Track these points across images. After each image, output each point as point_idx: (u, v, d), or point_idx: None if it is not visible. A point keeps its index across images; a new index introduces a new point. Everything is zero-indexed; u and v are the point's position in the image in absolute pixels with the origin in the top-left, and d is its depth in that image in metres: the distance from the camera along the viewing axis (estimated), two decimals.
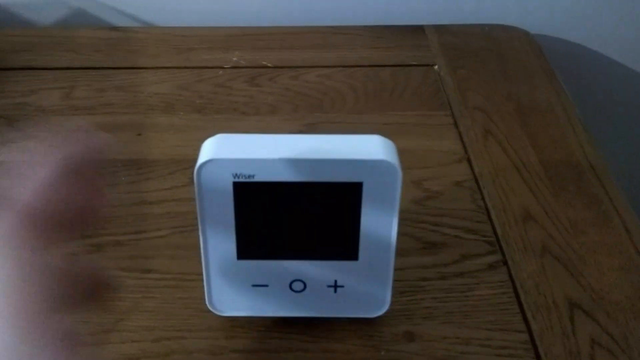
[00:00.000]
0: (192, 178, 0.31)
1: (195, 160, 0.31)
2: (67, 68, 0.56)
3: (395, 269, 0.39)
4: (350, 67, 0.59)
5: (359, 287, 0.35)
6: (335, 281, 0.35)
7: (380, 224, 0.33)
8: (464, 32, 0.65)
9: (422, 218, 0.44)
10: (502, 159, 0.49)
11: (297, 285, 0.35)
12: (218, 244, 0.33)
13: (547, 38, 0.68)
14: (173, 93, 0.54)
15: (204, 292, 0.35)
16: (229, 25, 0.63)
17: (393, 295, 0.37)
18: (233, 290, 0.35)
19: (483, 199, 0.45)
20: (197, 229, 0.33)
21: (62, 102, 0.52)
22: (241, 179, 0.31)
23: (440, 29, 0.65)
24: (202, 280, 0.35)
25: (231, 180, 0.31)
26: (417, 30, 0.64)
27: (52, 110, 0.52)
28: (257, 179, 0.31)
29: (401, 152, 0.49)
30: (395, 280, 0.38)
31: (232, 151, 0.31)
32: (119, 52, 0.58)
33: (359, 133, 0.33)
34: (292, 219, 0.33)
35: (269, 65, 0.59)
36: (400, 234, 0.42)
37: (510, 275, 0.39)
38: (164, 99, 0.54)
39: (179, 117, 0.52)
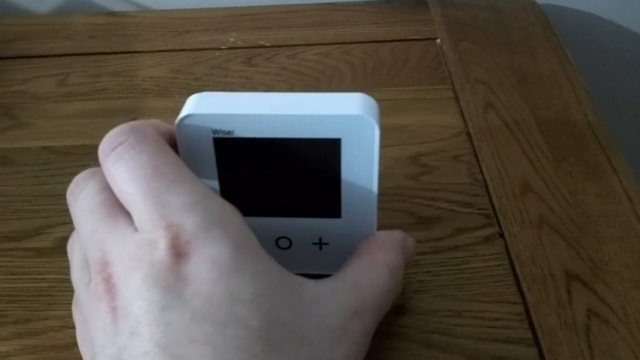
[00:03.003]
0: None
1: None
2: (62, 55, 0.56)
3: None
4: (349, 44, 0.58)
5: (343, 245, 0.34)
6: (320, 238, 0.34)
7: (361, 181, 0.32)
8: (468, 4, 0.63)
9: (417, 193, 0.43)
10: (502, 131, 0.48)
11: (283, 243, 0.35)
12: None
13: (556, 8, 0.66)
14: (168, 76, 0.54)
15: None
16: (226, 6, 0.63)
17: None
18: None
19: (481, 172, 0.44)
20: None
21: (58, 89, 0.52)
22: (221, 135, 0.31)
23: (444, 2, 0.63)
24: None
25: (211, 136, 0.31)
26: (420, 5, 0.63)
27: (47, 98, 0.52)
28: (236, 134, 0.31)
29: (399, 128, 0.49)
30: None
31: (212, 106, 0.31)
32: (114, 37, 0.58)
33: None
34: (273, 175, 0.32)
35: (266, 44, 0.58)
36: (393, 209, 0.42)
37: (506, 248, 0.38)
38: (159, 82, 0.53)
39: (174, 100, 0.51)
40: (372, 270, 0.30)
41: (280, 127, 0.31)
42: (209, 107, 0.31)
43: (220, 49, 0.58)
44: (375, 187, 0.32)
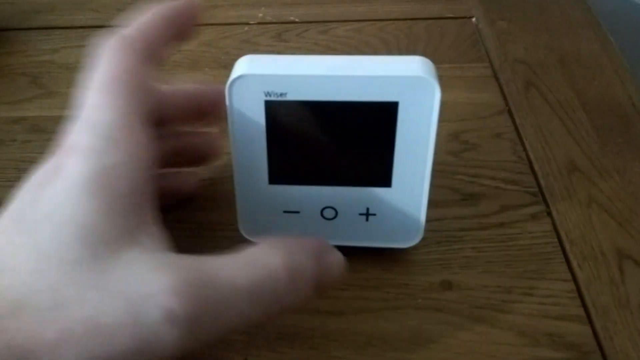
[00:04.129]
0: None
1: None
2: (90, 27, 0.55)
3: (432, 220, 0.37)
4: (382, 20, 0.56)
5: (391, 216, 0.33)
6: (368, 209, 0.33)
7: (415, 147, 0.31)
8: None
9: (460, 170, 0.41)
10: (545, 110, 0.46)
11: (329, 213, 0.33)
12: (249, 167, 0.32)
13: None
14: (198, 50, 0.53)
15: (236, 219, 0.34)
16: None
17: (429, 245, 0.36)
18: (264, 215, 0.34)
19: (525, 150, 0.43)
20: (231, 169, 0.32)
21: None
22: (273, 97, 0.29)
23: None
24: (236, 210, 0.34)
25: (263, 98, 0.30)
26: None
27: (76, 68, 0.50)
28: (289, 97, 0.29)
29: None
30: (431, 231, 0.36)
31: (265, 67, 0.30)
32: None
33: None
34: (324, 141, 0.31)
35: (296, 20, 0.57)
36: (436, 185, 0.40)
37: (554, 226, 0.37)
38: (188, 55, 0.52)
39: (203, 73, 0.50)
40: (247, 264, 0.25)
41: (335, 90, 0.29)
42: (261, 68, 0.30)
43: (249, 24, 0.56)
44: (430, 155, 0.31)
